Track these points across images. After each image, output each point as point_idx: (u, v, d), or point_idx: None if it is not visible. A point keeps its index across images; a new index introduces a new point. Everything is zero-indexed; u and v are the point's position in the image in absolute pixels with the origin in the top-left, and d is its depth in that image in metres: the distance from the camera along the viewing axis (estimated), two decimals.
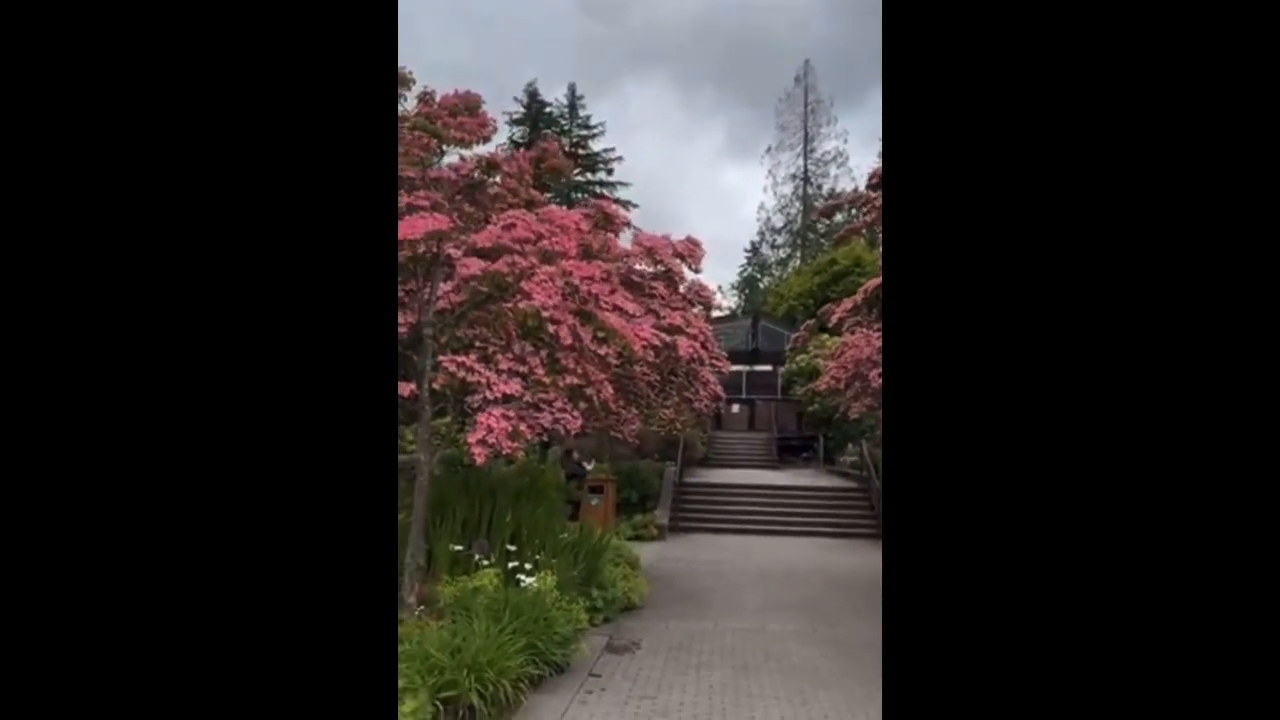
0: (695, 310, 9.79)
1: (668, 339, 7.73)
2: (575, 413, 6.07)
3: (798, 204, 40.86)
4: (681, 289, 9.50)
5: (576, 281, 5.98)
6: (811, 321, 15.61)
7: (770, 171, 41.63)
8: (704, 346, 8.89)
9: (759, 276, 42.41)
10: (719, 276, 45.81)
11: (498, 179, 7.06)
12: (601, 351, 6.29)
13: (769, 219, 42.04)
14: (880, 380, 11.94)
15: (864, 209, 8.77)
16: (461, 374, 5.66)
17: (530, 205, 7.92)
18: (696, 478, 16.52)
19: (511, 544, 6.97)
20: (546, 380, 5.88)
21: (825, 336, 16.18)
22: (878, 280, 7.71)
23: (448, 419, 6.94)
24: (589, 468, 12.98)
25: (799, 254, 40.11)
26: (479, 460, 5.30)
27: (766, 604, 8.28)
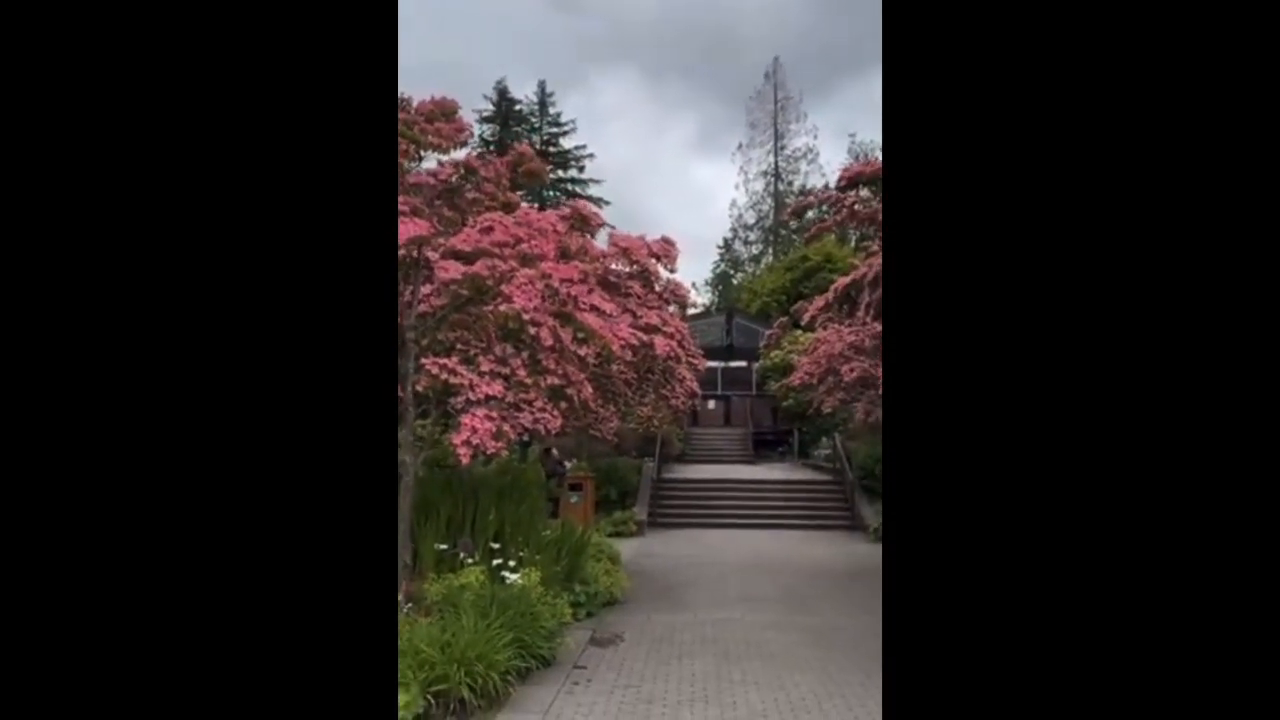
0: (671, 309, 9.97)
1: (645, 338, 7.90)
2: (555, 412, 6.21)
3: (769, 200, 41.26)
4: (658, 288, 9.68)
5: (556, 284, 6.12)
6: (785, 318, 15.87)
7: (742, 168, 42.02)
8: (681, 345, 9.07)
9: (732, 273, 42.75)
10: (693, 272, 46.08)
11: (475, 183, 7.16)
12: (581, 352, 6.44)
13: (741, 215, 42.45)
14: (851, 374, 12.22)
15: (834, 208, 8.99)
16: (444, 376, 5.77)
17: (507, 208, 8.02)
18: (674, 474, 16.73)
19: (495, 542, 7.09)
20: (528, 381, 6.01)
21: (799, 333, 16.46)
22: (849, 278, 7.94)
23: (430, 420, 7.04)
24: (568, 466, 13.11)
25: (771, 250, 40.50)
26: (464, 460, 5.42)
27: (745, 595, 8.49)
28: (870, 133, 39.03)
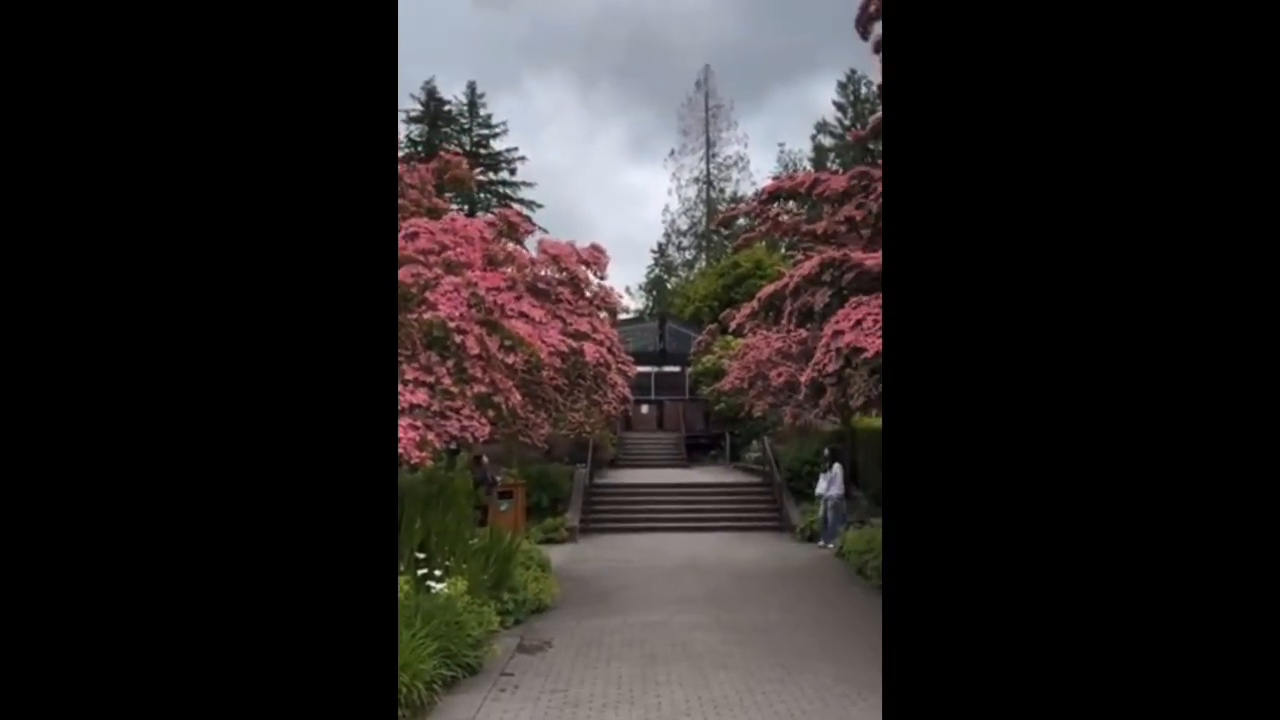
0: (602, 315, 10.06)
1: (575, 345, 7.96)
2: (483, 420, 6.21)
3: (702, 207, 41.83)
4: (589, 294, 9.75)
5: (482, 292, 6.13)
6: (714, 325, 16.17)
7: (674, 174, 42.47)
8: (610, 351, 9.16)
9: (666, 277, 43.17)
10: (627, 276, 46.32)
11: (399, 190, 7.09)
12: (509, 359, 6.46)
13: (674, 221, 42.90)
14: (779, 379, 12.56)
15: (759, 219, 9.26)
16: None
17: (433, 214, 7.97)
18: (607, 479, 16.79)
19: (421, 551, 7.01)
20: (454, 389, 5.99)
21: (730, 338, 16.78)
22: (772, 287, 8.19)
23: None
24: (499, 478, 13.01)
25: (704, 256, 41.07)
26: None
27: (674, 598, 8.62)
28: (799, 142, 39.99)
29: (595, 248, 9.62)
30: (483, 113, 38.01)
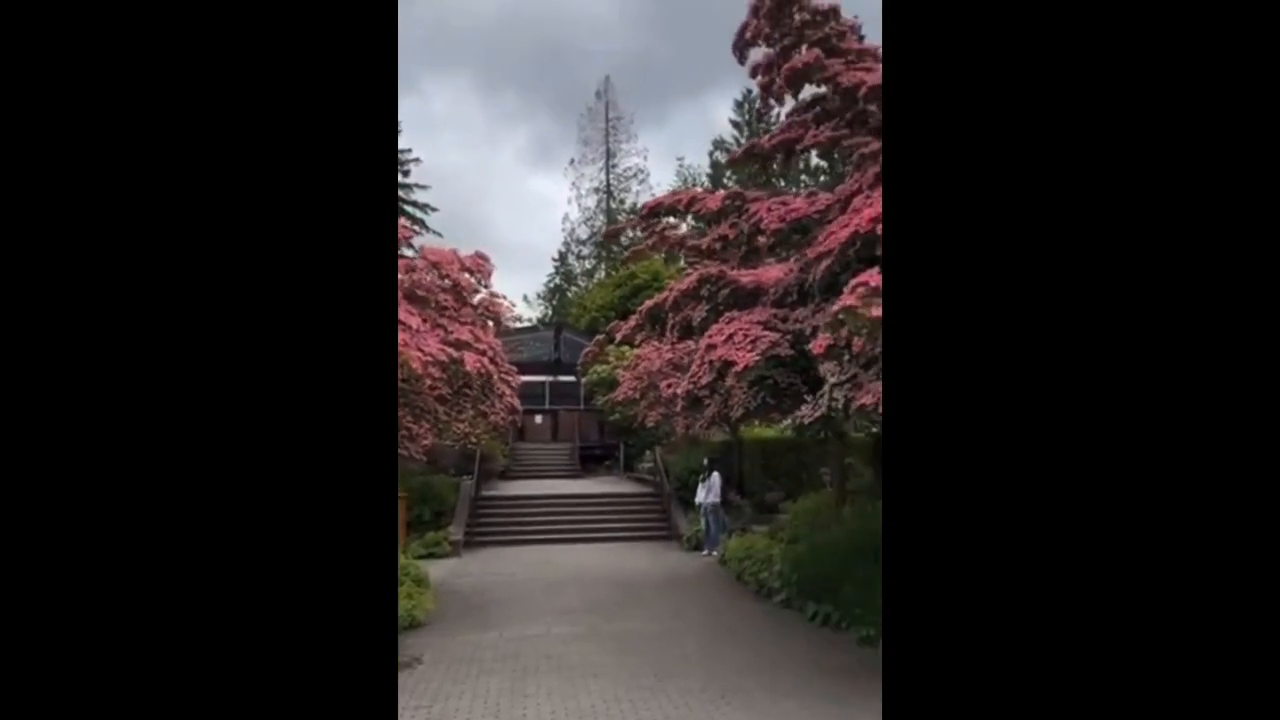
0: (489, 324, 9.92)
1: (454, 354, 7.82)
2: None
3: (602, 216, 42.07)
4: (474, 302, 9.60)
5: None
6: (601, 336, 16.29)
7: (575, 183, 42.53)
8: (493, 361, 9.06)
9: (566, 286, 43.10)
10: (527, 284, 45.86)
11: None
12: None
13: (574, 230, 42.94)
14: (669, 390, 12.77)
15: (646, 233, 9.42)
16: None
17: None
18: (495, 490, 16.55)
19: None
20: None
21: (625, 348, 16.93)
22: (652, 300, 8.34)
23: None
24: None
25: (604, 265, 41.29)
26: None
27: (554, 610, 8.58)
28: (698, 157, 40.79)
29: (479, 255, 9.51)
30: None
